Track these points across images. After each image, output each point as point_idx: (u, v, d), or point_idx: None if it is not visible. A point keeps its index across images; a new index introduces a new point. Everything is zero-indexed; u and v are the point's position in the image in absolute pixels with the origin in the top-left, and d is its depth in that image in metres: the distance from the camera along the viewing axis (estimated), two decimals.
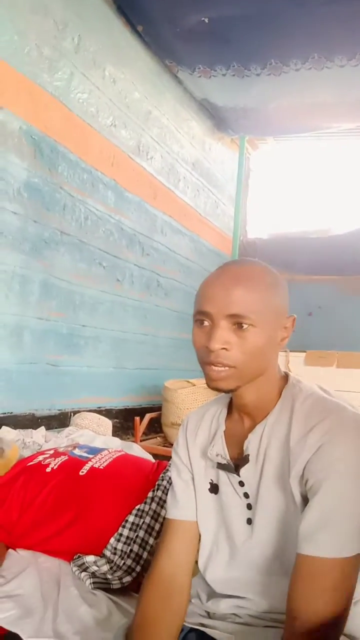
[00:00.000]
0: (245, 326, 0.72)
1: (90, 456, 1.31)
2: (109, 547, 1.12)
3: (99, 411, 2.08)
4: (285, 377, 0.82)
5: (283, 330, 0.77)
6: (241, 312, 0.72)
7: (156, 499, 1.18)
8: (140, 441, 2.18)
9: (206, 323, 0.75)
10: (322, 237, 3.19)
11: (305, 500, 0.71)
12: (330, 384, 0.84)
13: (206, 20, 2.13)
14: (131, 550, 1.11)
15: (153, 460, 1.45)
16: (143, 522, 1.15)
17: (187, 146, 2.83)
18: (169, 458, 1.01)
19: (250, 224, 3.62)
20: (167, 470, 1.25)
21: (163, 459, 1.44)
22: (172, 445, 2.25)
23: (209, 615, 0.84)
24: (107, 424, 1.90)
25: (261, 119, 2.92)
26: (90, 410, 2.00)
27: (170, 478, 0.91)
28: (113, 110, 2.17)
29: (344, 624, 0.68)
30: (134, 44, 2.31)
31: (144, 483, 1.25)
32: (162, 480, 1.23)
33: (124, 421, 2.33)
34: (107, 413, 2.15)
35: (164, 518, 0.90)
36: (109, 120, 2.15)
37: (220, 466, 0.82)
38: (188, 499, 0.86)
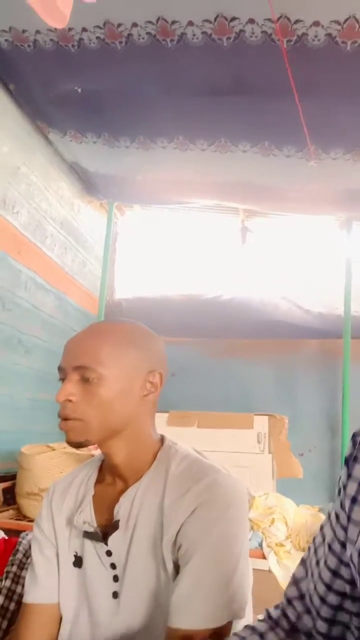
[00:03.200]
0: (91, 379, 0.72)
1: None
2: None
3: None
4: (161, 440, 0.82)
5: (147, 386, 0.77)
6: (87, 364, 0.72)
7: (10, 575, 1.06)
8: None
9: (62, 377, 0.75)
10: (185, 301, 3.35)
11: (177, 568, 0.69)
12: (190, 444, 0.86)
13: (79, 90, 2.22)
14: None
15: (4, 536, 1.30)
16: None
17: (56, 205, 2.83)
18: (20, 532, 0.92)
19: (117, 285, 3.68)
20: (20, 543, 1.13)
21: (16, 535, 1.30)
22: (26, 518, 2.05)
23: None
24: None
25: (129, 187, 3.05)
26: None
27: (26, 551, 0.82)
28: None
29: None
30: (5, 100, 2.30)
31: None
32: (16, 553, 1.11)
33: None
34: None
35: (21, 600, 0.80)
36: None
37: (86, 535, 0.76)
38: (49, 578, 0.78)
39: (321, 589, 0.59)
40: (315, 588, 0.60)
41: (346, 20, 1.70)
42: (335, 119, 2.10)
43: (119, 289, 3.67)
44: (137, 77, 2.07)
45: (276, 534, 2.22)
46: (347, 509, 0.56)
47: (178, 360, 3.24)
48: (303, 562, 0.65)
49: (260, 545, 2.17)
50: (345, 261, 3.04)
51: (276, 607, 0.67)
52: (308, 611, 0.62)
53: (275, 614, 0.66)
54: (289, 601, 0.64)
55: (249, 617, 0.78)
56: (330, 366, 3.12)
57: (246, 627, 0.65)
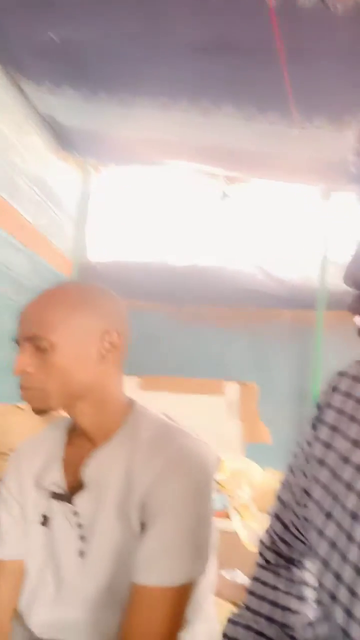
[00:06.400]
0: (44, 348, 0.70)
1: None
2: None
3: None
4: (131, 404, 0.81)
5: (105, 345, 0.76)
6: (38, 333, 0.71)
7: None
8: None
9: (18, 347, 0.74)
10: (161, 266, 3.32)
11: (144, 528, 0.70)
12: (162, 408, 0.86)
13: (57, 40, 2.10)
14: None
15: None
16: None
17: (29, 160, 2.72)
18: None
19: (92, 248, 3.61)
20: None
21: None
22: None
23: None
24: None
25: (107, 145, 2.96)
26: None
27: None
28: None
29: None
30: None
31: None
32: None
33: None
34: None
35: None
36: None
37: (54, 495, 0.77)
38: (16, 536, 0.79)
39: (299, 510, 0.64)
40: (294, 512, 0.65)
41: None
42: (321, 86, 2.05)
43: (94, 252, 3.61)
44: (119, 30, 1.98)
45: (241, 496, 2.29)
46: (313, 469, 0.58)
47: (152, 325, 3.23)
48: (279, 498, 0.69)
49: (226, 506, 2.23)
50: (322, 232, 3.05)
51: (267, 548, 0.71)
52: (296, 537, 0.67)
53: (271, 557, 0.71)
54: (279, 536, 0.68)
55: (213, 574, 0.81)
56: (302, 337, 3.17)
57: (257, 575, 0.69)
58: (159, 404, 0.85)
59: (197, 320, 3.29)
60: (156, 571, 0.65)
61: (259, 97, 2.25)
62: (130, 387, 3.00)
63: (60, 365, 0.71)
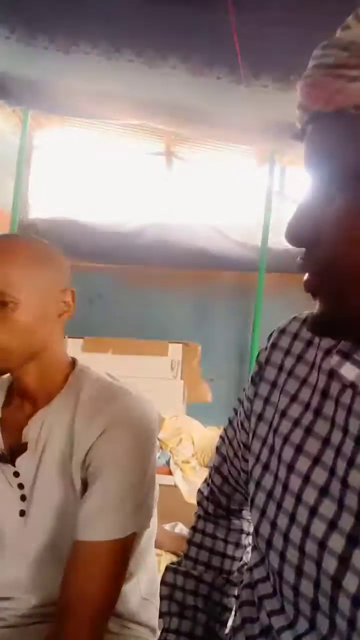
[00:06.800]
0: (7, 304, 0.67)
1: None
2: None
3: None
4: (73, 363, 0.80)
5: (61, 305, 0.74)
6: (3, 290, 0.67)
7: None
8: None
9: None
10: (104, 226, 3.24)
11: (86, 487, 0.71)
12: (105, 369, 0.86)
13: None
14: None
15: None
16: None
17: None
18: None
19: (33, 204, 3.46)
20: None
21: None
22: None
23: None
24: None
25: (46, 94, 2.79)
26: None
27: None
28: None
29: (115, 604, 0.70)
30: None
31: None
32: None
33: None
34: None
35: None
36: None
37: None
38: None
39: (237, 463, 0.67)
40: (234, 465, 0.68)
41: None
42: (270, 42, 2.02)
43: (34, 209, 3.45)
44: None
45: (183, 452, 2.36)
46: (252, 424, 0.60)
47: (95, 287, 3.18)
48: (218, 451, 0.71)
49: (168, 463, 2.30)
50: (265, 194, 3.07)
51: (206, 499, 0.73)
52: (235, 489, 0.70)
53: (210, 507, 0.73)
54: (218, 488, 0.71)
55: (154, 527, 0.83)
56: (244, 298, 3.23)
57: (197, 524, 0.73)
58: (101, 365, 0.85)
59: (141, 281, 3.27)
60: (97, 526, 0.67)
61: (206, 49, 2.18)
62: (73, 349, 2.97)
63: (24, 323, 0.68)
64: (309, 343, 0.58)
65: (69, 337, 2.75)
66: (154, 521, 0.81)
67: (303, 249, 0.44)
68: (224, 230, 3.20)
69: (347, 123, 0.39)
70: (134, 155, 3.49)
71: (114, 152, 3.48)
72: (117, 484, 0.68)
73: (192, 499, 2.07)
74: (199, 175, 3.45)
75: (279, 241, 2.98)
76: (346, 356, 0.48)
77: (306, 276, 0.45)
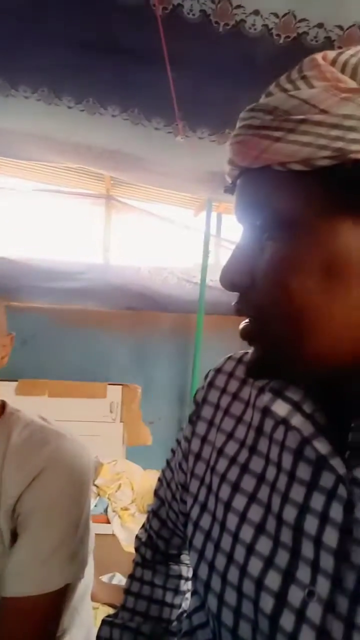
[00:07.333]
0: None
1: None
2: None
3: None
4: (2, 406, 0.77)
5: (1, 350, 0.73)
6: None
7: None
8: None
9: None
10: (40, 265, 3.19)
11: (15, 538, 0.67)
12: (41, 413, 0.83)
13: None
14: None
15: None
16: None
17: None
18: None
19: None
20: None
21: None
22: None
23: None
24: None
25: None
26: None
27: None
28: None
29: None
30: None
31: None
32: None
33: None
34: None
35: None
36: None
37: None
38: None
39: (176, 506, 0.66)
40: (172, 508, 0.67)
41: (220, 0, 1.73)
42: (205, 97, 2.14)
43: None
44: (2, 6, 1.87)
45: (122, 499, 2.29)
46: (190, 463, 0.60)
47: (31, 327, 3.10)
48: (156, 494, 0.70)
49: (106, 510, 2.21)
50: (204, 238, 3.16)
51: (144, 545, 0.71)
52: (174, 532, 0.69)
53: (148, 554, 0.72)
54: (156, 533, 0.69)
55: (90, 578, 0.79)
56: (183, 339, 3.26)
57: (135, 571, 0.71)
58: (37, 408, 0.82)
59: (79, 322, 3.23)
60: (26, 580, 0.62)
61: (145, 101, 2.27)
62: (6, 392, 2.85)
63: None
64: (244, 382, 0.59)
65: (0, 380, 2.64)
66: (89, 571, 0.77)
67: (237, 293, 0.46)
68: (163, 272, 3.25)
69: (273, 178, 0.42)
70: (74, 196, 3.52)
71: (53, 193, 3.49)
72: (48, 533, 0.65)
73: (131, 548, 1.99)
74: (138, 218, 3.51)
75: (218, 283, 3.07)
76: (277, 393, 0.49)
77: (242, 324, 0.46)
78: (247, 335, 0.46)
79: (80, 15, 1.82)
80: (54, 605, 0.64)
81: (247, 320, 0.46)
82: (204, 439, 0.59)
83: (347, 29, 1.74)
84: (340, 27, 1.74)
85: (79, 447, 0.73)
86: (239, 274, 0.45)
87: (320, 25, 1.75)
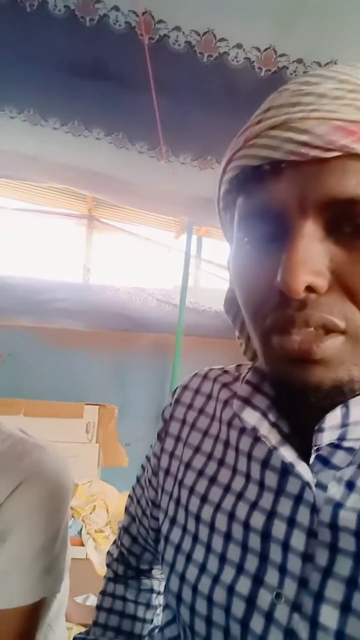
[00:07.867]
0: None
1: None
2: None
3: None
4: None
5: None
6: None
7: None
8: None
9: None
10: (19, 282, 3.18)
11: None
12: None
13: None
14: None
15: None
16: None
17: None
18: None
19: None
20: None
21: None
22: None
23: None
24: None
25: None
26: None
27: None
28: None
29: None
30: None
31: None
32: None
33: None
34: None
35: None
36: None
37: None
38: None
39: (146, 522, 0.67)
40: (142, 524, 0.68)
41: (205, 33, 1.80)
42: (188, 124, 2.20)
43: None
44: None
45: (96, 521, 2.25)
46: (160, 479, 0.61)
47: (8, 345, 3.07)
48: (127, 511, 0.70)
49: (80, 533, 2.18)
50: (184, 259, 3.20)
51: (116, 560, 0.71)
52: (145, 548, 0.70)
53: (120, 569, 0.72)
54: (127, 549, 0.69)
55: (66, 595, 0.78)
56: (161, 360, 3.27)
57: (107, 588, 0.72)
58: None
59: (56, 341, 3.21)
60: (2, 593, 0.62)
61: (130, 125, 2.33)
62: None
63: None
64: (209, 397, 0.61)
65: None
66: (64, 589, 0.76)
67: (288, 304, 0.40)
68: (142, 294, 3.27)
69: None
70: (55, 215, 3.54)
71: (35, 212, 3.51)
72: (27, 544, 0.64)
73: (105, 570, 1.96)
74: (120, 238, 3.55)
75: (196, 304, 3.10)
76: (246, 401, 0.49)
77: (322, 342, 0.40)
78: (335, 355, 0.39)
79: (68, 40, 1.87)
80: (30, 619, 0.63)
81: (321, 336, 0.39)
82: (171, 455, 0.60)
83: (324, 65, 1.83)
84: (318, 63, 1.83)
85: (60, 460, 0.73)
86: (315, 274, 0.38)
87: (299, 61, 1.84)
